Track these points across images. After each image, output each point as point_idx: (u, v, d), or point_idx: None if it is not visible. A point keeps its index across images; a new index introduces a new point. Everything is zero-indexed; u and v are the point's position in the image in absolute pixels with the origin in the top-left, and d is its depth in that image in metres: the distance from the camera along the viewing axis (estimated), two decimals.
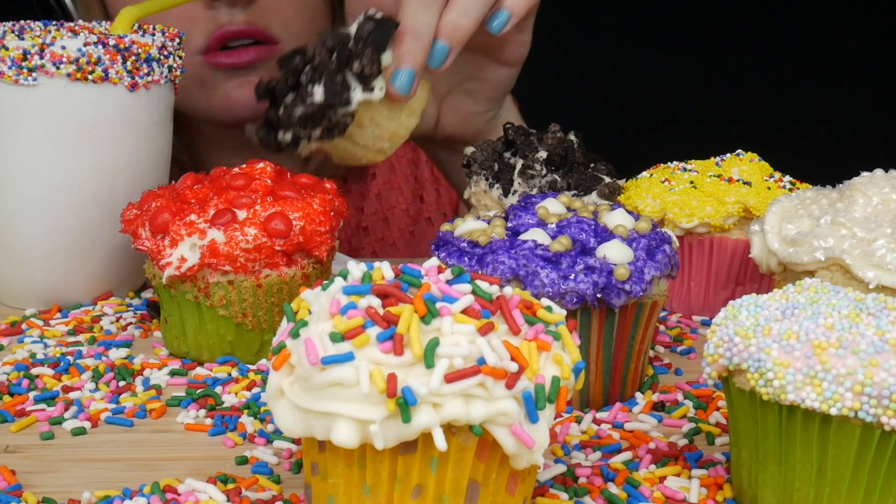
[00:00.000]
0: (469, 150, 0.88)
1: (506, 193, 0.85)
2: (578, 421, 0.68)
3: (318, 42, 0.83)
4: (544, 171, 0.84)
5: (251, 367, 0.76)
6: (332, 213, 0.77)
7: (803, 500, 0.56)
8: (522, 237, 0.69)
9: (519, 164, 0.85)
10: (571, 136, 0.86)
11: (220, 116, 1.11)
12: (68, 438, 0.67)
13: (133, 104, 0.83)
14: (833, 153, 2.11)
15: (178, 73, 0.87)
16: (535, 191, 0.84)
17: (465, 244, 0.69)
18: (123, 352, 0.78)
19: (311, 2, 1.11)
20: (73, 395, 0.72)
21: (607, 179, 0.85)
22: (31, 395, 0.71)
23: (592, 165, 0.86)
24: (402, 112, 0.86)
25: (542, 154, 0.85)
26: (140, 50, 0.82)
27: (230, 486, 0.61)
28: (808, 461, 0.55)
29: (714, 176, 0.84)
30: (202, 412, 0.69)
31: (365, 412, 0.50)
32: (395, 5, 0.85)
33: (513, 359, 0.51)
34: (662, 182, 0.85)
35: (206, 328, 0.76)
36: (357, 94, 0.80)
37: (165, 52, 0.84)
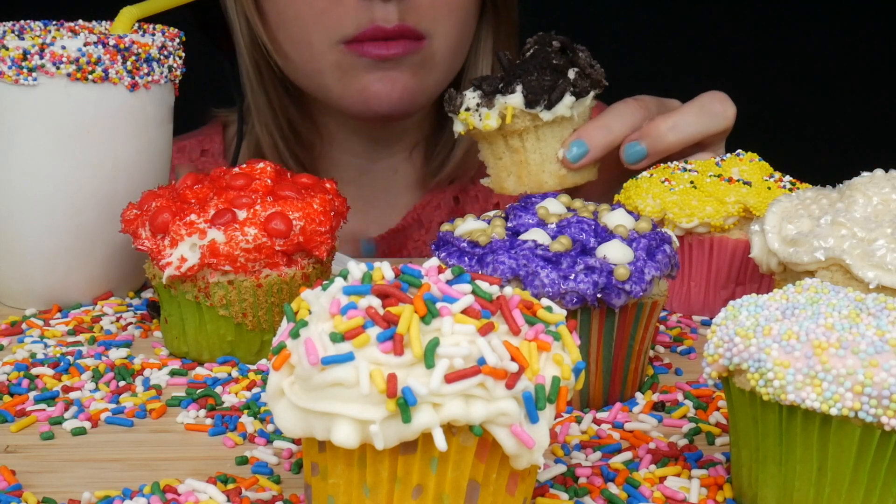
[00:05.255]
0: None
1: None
2: (578, 421, 0.68)
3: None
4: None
5: (251, 367, 0.76)
6: (332, 213, 0.77)
7: (803, 501, 0.56)
8: (522, 237, 0.69)
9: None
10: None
11: (354, 108, 1.10)
12: (68, 438, 0.67)
13: (133, 104, 0.83)
14: (833, 153, 2.10)
15: (178, 73, 0.87)
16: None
17: (465, 244, 0.69)
18: (123, 352, 0.78)
19: (461, 1, 1.11)
20: (73, 395, 0.71)
21: (572, 74, 0.85)
22: (31, 395, 0.71)
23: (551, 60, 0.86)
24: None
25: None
26: (140, 50, 0.82)
27: (230, 486, 0.61)
28: (808, 461, 0.55)
29: (714, 176, 0.84)
30: (202, 412, 0.69)
31: (365, 412, 0.50)
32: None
33: (513, 359, 0.51)
34: (662, 182, 0.85)
35: (206, 328, 0.76)
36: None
37: (165, 52, 0.84)
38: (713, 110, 0.92)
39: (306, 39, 1.09)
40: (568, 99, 0.85)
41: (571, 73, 0.86)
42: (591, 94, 0.88)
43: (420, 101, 1.13)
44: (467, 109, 0.86)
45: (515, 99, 0.84)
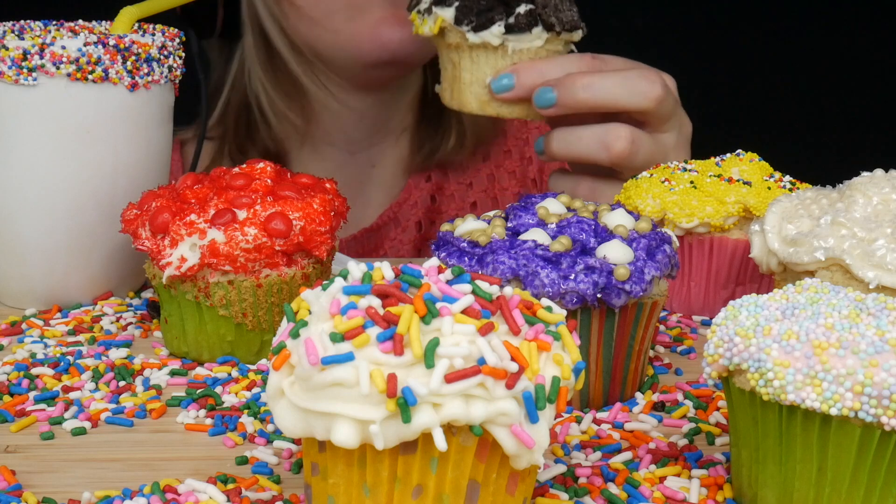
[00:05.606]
0: None
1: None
2: (578, 421, 0.68)
3: None
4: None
5: (251, 367, 0.76)
6: (332, 213, 0.77)
7: (803, 500, 0.56)
8: (522, 237, 0.69)
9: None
10: None
11: (364, 46, 1.11)
12: (68, 438, 0.67)
13: (133, 104, 0.83)
14: (833, 153, 2.10)
15: (178, 72, 0.87)
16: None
17: (465, 244, 0.69)
18: (123, 352, 0.78)
19: None
20: (73, 395, 0.71)
21: (523, 9, 0.85)
22: (31, 395, 0.71)
23: None
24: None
25: None
26: (140, 50, 0.82)
27: (230, 486, 0.61)
28: (808, 461, 0.55)
29: (714, 176, 0.84)
30: (202, 412, 0.69)
31: (365, 412, 0.50)
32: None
33: (513, 359, 0.51)
34: (662, 182, 0.85)
35: (206, 328, 0.76)
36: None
37: (165, 52, 0.84)
38: (636, 86, 0.91)
39: None
40: (496, 28, 0.86)
41: (523, 8, 0.86)
42: (542, 35, 0.87)
43: (426, 50, 1.13)
44: (418, 11, 0.89)
45: (448, 12, 0.86)
